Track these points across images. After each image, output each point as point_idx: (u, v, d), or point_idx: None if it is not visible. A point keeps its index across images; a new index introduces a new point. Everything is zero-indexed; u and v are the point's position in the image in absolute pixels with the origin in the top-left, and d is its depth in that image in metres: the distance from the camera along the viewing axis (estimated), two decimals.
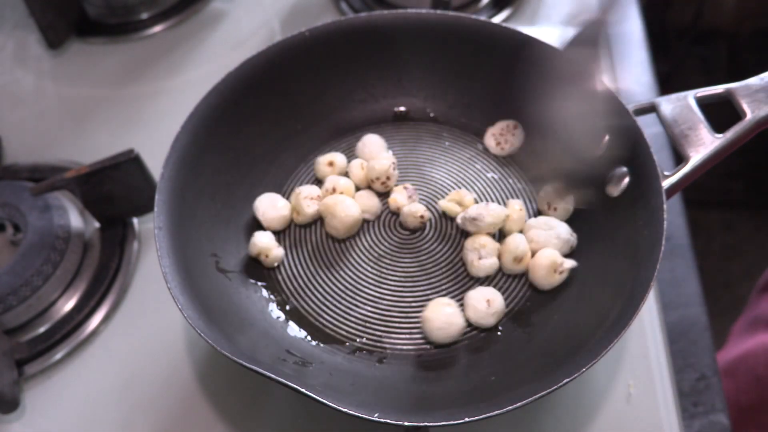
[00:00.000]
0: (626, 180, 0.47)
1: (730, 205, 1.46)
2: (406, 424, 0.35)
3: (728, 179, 1.46)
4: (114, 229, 0.56)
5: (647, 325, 0.50)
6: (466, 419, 0.35)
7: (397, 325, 0.46)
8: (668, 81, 1.34)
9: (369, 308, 0.47)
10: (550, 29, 0.72)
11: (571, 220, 0.50)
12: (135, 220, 0.57)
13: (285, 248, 0.50)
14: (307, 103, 0.55)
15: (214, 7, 0.77)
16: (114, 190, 0.53)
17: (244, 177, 0.52)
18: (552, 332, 0.44)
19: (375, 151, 0.54)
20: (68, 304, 0.52)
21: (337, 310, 0.47)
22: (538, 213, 0.51)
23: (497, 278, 0.48)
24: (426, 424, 0.35)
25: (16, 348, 0.49)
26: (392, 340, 0.45)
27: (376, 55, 0.56)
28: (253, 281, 0.48)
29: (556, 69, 0.48)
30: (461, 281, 0.48)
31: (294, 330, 0.46)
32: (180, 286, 0.41)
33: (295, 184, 0.54)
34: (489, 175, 0.53)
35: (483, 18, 0.55)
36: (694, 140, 0.45)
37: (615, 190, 0.47)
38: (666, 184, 0.44)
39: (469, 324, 0.45)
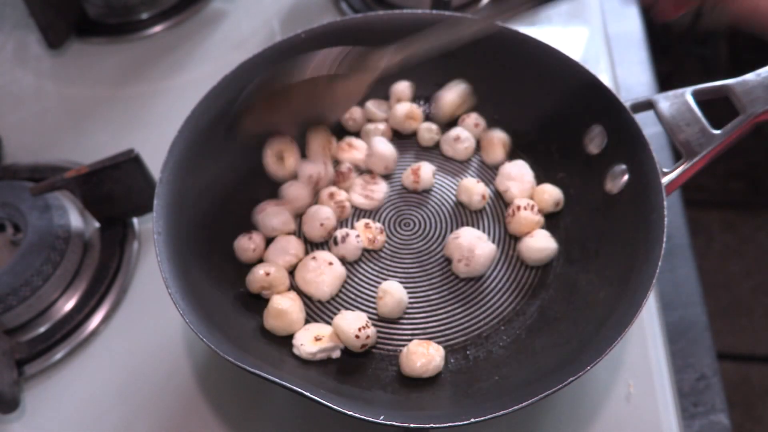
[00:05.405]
0: (625, 177, 0.47)
1: (730, 205, 1.46)
2: (411, 426, 0.35)
3: (728, 179, 1.46)
4: (114, 229, 0.56)
5: (647, 325, 0.50)
6: (473, 420, 0.35)
7: (399, 326, 0.46)
8: (668, 81, 1.34)
9: (371, 309, 0.47)
10: (549, 29, 0.72)
11: (571, 221, 0.50)
12: (135, 220, 0.57)
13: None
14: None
15: (214, 7, 0.77)
16: (114, 190, 0.53)
17: (243, 179, 0.52)
18: (554, 333, 0.44)
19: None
20: (68, 304, 0.52)
21: (339, 311, 0.47)
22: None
23: (500, 276, 0.48)
24: (432, 425, 0.35)
25: (16, 348, 0.49)
26: (397, 341, 0.45)
27: None
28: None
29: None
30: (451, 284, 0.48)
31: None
32: (180, 291, 0.40)
33: None
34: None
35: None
36: (692, 136, 0.45)
37: (614, 188, 0.47)
38: (665, 180, 0.44)
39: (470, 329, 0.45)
